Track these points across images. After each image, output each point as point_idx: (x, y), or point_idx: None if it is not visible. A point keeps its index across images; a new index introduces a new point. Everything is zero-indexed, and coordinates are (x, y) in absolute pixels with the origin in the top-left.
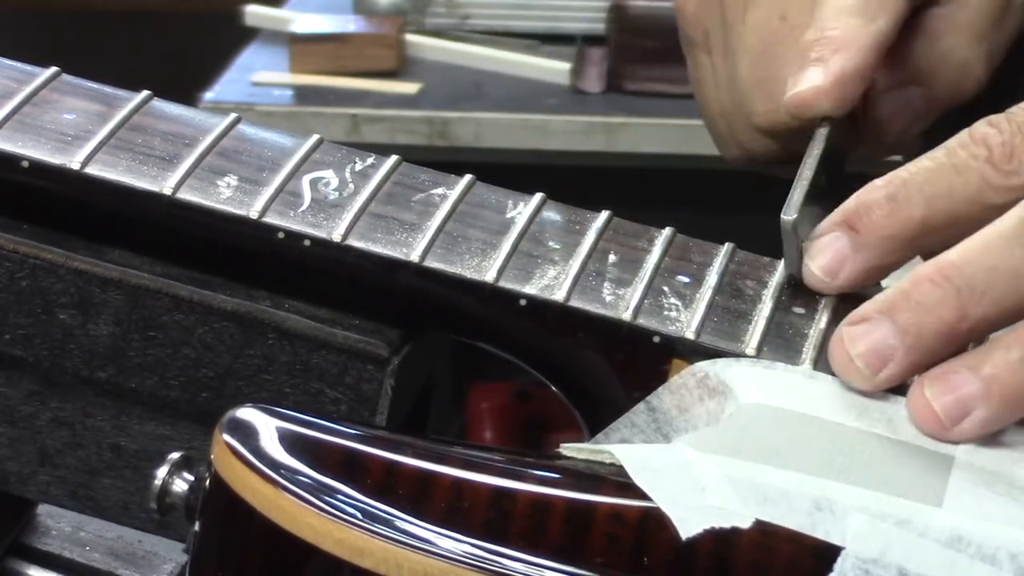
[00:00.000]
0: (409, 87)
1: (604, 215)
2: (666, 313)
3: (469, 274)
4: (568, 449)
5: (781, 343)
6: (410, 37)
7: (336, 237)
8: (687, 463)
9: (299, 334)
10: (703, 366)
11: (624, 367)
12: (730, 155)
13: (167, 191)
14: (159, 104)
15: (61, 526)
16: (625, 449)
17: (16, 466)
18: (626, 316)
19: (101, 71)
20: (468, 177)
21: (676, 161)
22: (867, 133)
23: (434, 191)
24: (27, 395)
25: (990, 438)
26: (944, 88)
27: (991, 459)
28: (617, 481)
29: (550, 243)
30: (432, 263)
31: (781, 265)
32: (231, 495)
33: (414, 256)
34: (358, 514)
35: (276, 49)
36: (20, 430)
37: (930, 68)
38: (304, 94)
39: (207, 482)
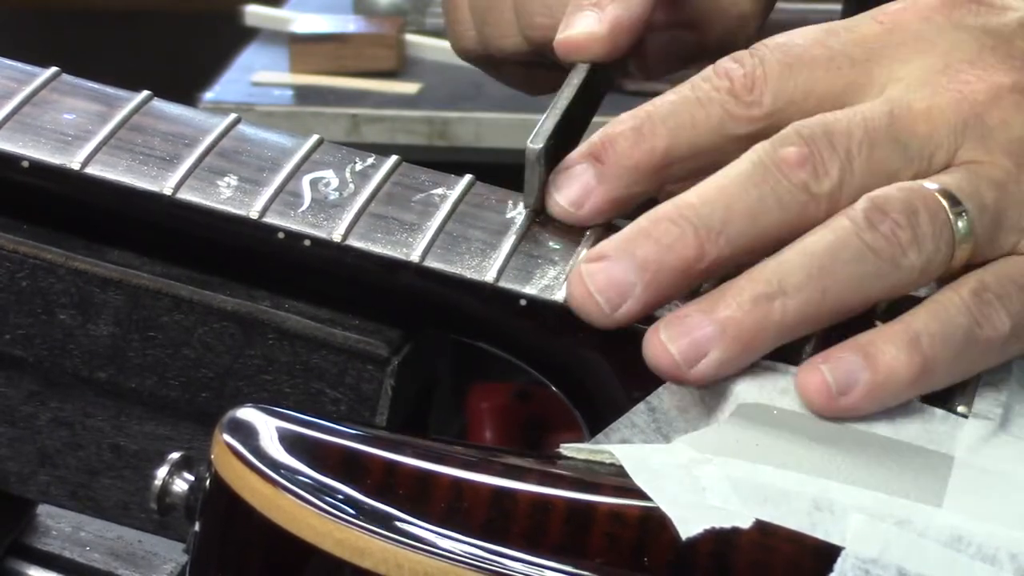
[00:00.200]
0: (409, 87)
1: None
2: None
3: (469, 274)
4: (568, 449)
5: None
6: (410, 37)
7: (336, 237)
8: (687, 463)
9: (299, 334)
10: None
11: (624, 367)
12: (462, 45)
13: (167, 191)
14: (159, 104)
15: (61, 526)
16: (625, 449)
17: (16, 466)
18: None
19: (101, 71)
20: (468, 177)
21: None
22: (632, 67)
23: (434, 191)
24: (27, 395)
25: (990, 438)
26: (718, 37)
27: (991, 459)
28: (617, 481)
29: (550, 243)
30: (432, 263)
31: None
32: (231, 495)
33: (414, 256)
34: (358, 514)
35: (276, 49)
36: (20, 430)
37: (707, 17)
38: (304, 94)
39: (207, 482)
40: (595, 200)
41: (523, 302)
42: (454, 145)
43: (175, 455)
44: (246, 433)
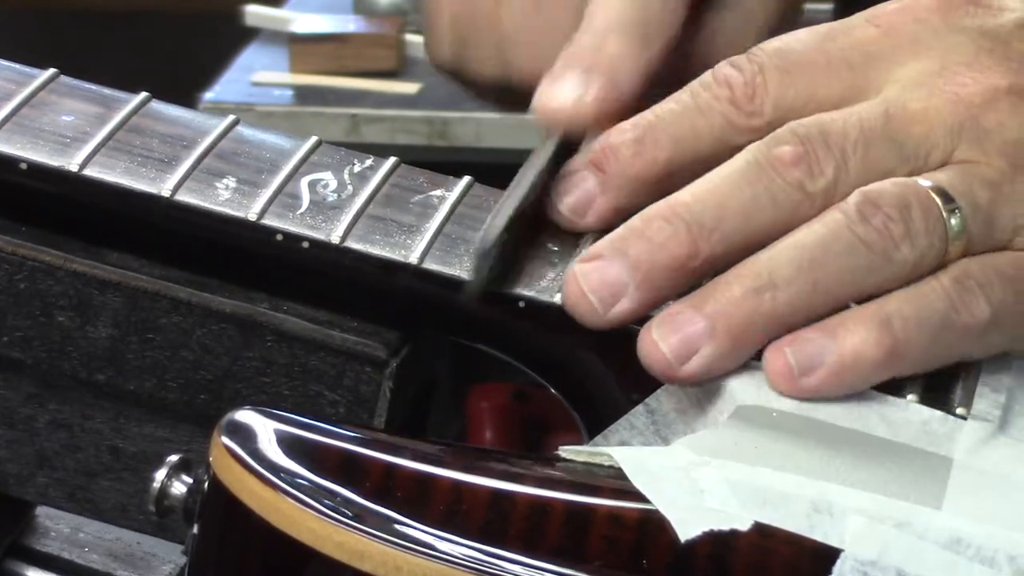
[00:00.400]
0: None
1: None
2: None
3: (468, 276)
4: (567, 451)
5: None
6: (410, 37)
7: (335, 239)
8: (686, 465)
9: (297, 336)
10: None
11: (623, 369)
12: (437, 57)
13: (166, 193)
14: (157, 106)
15: (60, 528)
16: (624, 451)
17: (15, 468)
18: None
19: (101, 71)
20: (466, 179)
21: None
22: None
23: (432, 193)
24: (26, 397)
25: (989, 440)
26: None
27: (990, 461)
28: (616, 484)
29: (548, 245)
30: (431, 265)
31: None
32: (230, 498)
33: (413, 258)
34: (357, 517)
35: (276, 49)
36: (19, 432)
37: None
38: (304, 94)
39: (206, 485)
40: (598, 209)
41: (522, 304)
42: (454, 145)
43: (174, 457)
44: (245, 436)
